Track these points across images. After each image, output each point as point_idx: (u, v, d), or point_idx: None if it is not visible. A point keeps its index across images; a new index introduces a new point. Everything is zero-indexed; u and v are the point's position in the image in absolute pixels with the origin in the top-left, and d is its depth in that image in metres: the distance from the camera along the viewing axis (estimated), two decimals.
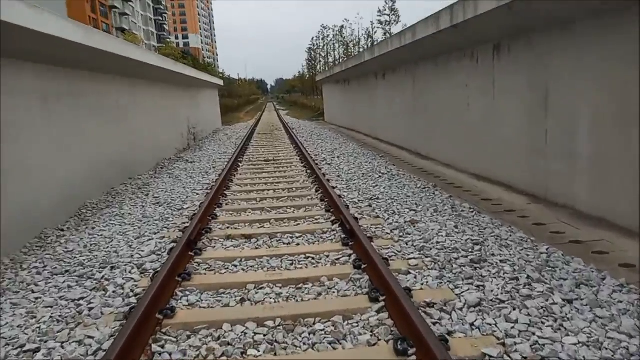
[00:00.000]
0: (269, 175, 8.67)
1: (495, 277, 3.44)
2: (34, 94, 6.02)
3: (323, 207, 5.96)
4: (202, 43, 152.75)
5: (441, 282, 3.44)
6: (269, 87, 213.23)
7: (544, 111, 5.92)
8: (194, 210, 5.95)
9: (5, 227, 4.90)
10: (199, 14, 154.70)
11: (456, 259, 3.86)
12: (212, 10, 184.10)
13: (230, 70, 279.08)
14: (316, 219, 5.44)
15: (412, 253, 4.08)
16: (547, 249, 4.03)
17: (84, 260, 4.17)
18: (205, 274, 3.89)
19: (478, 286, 3.32)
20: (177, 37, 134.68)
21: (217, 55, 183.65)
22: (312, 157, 10.27)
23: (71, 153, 7.02)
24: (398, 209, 5.60)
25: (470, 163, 8.00)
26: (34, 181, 5.76)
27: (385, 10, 34.83)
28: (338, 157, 10.40)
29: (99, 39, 7.02)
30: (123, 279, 3.66)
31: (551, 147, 5.83)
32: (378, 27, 39.00)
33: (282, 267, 3.99)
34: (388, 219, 5.25)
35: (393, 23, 34.89)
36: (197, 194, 7.13)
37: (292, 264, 4.03)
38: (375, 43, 40.93)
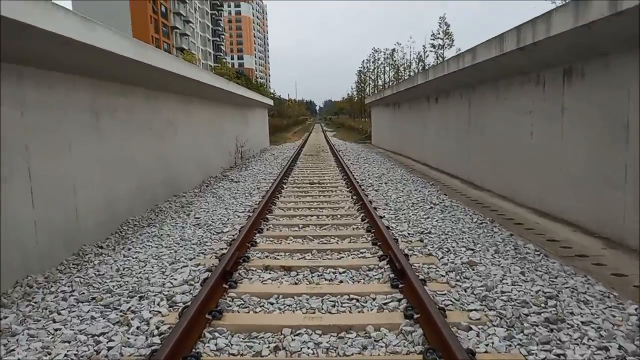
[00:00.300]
0: (312, 200, 8.33)
1: (578, 344, 2.85)
2: (85, 108, 6.03)
3: (369, 239, 5.51)
4: (255, 64, 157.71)
5: (510, 345, 2.90)
6: (317, 108, 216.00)
7: (624, 143, 5.23)
8: (234, 235, 5.67)
9: (46, 242, 4.82)
10: (254, 36, 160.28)
11: (527, 315, 3.28)
12: (267, 32, 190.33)
13: (281, 91, 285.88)
14: (362, 253, 5.00)
15: (473, 303, 3.54)
16: (636, 310, 3.37)
17: (114, 286, 3.94)
18: (238, 311, 3.54)
19: (558, 355, 2.75)
20: (232, 58, 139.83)
21: (269, 75, 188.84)
22: (358, 182, 9.86)
23: (119, 169, 7.00)
24: (453, 247, 5.06)
25: (531, 197, 7.30)
26: (80, 196, 5.71)
27: (439, 33, 34.29)
28: (386, 183, 9.92)
29: (151, 55, 7.03)
30: (150, 312, 3.37)
31: (631, 184, 5.11)
32: (430, 51, 38.48)
33: (322, 309, 3.57)
34: (442, 257, 4.73)
35: (446, 47, 34.28)
36: (239, 217, 6.88)
37: (334, 306, 3.60)
38: (428, 66, 40.39)
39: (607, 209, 5.51)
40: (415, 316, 3.29)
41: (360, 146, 24.43)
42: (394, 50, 53.44)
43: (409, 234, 5.66)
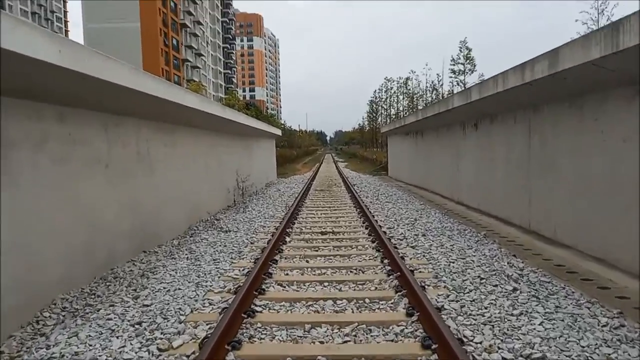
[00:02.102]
0: (325, 265, 5.86)
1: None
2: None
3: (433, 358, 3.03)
4: (267, 96, 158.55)
5: None
6: (328, 138, 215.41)
7: None
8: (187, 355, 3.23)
9: None
10: (266, 69, 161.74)
11: None
12: (278, 65, 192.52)
13: (292, 122, 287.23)
14: None
15: None
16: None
17: None
18: None
19: None
20: (244, 90, 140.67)
21: (280, 107, 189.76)
22: (385, 232, 7.40)
23: (45, 222, 4.71)
24: None
25: None
26: None
27: (459, 58, 32.25)
28: (423, 235, 7.41)
29: (97, 64, 4.77)
30: None
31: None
32: (450, 77, 36.35)
33: None
34: None
35: (468, 72, 32.17)
36: (210, 304, 4.41)
37: None
38: (443, 95, 38.13)
39: None
40: None
41: (377, 179, 22.00)
42: (407, 78, 51.58)
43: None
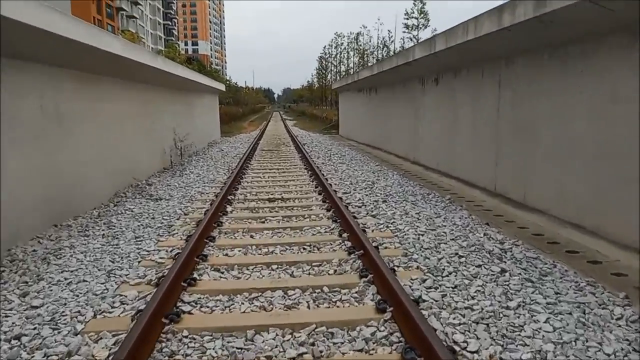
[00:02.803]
0: (274, 241, 4.91)
1: None
2: None
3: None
4: (211, 50, 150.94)
5: None
6: (276, 96, 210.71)
7: None
8: None
9: None
10: (210, 21, 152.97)
11: None
12: (223, 18, 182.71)
13: (238, 79, 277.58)
14: None
15: None
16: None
17: None
18: None
19: None
20: (186, 44, 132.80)
21: (225, 63, 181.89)
22: (341, 200, 6.54)
23: None
24: None
25: None
26: None
27: (413, 12, 31.15)
28: (384, 200, 6.61)
29: None
30: None
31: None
32: (403, 32, 35.34)
33: None
34: None
35: (421, 27, 31.24)
36: (122, 303, 3.34)
37: None
38: (395, 51, 36.94)
39: None
40: None
41: (327, 138, 21.09)
42: (358, 34, 50.32)
43: None
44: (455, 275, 3.62)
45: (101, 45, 6.37)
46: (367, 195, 7.06)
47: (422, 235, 4.78)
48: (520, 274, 3.59)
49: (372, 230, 5.08)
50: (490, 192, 7.26)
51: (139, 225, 5.51)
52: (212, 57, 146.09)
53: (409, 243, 4.54)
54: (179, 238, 4.92)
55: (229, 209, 6.32)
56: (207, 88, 18.64)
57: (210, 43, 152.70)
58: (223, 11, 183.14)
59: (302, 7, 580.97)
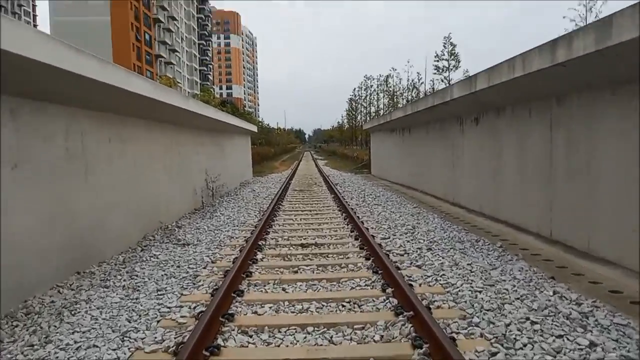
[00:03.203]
0: (308, 296, 4.36)
1: None
2: None
3: None
4: (244, 94, 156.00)
5: None
6: (306, 136, 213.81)
7: None
8: None
9: None
10: (243, 67, 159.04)
11: None
12: (256, 63, 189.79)
13: (270, 120, 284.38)
14: None
15: None
16: None
17: None
18: None
19: None
20: (221, 88, 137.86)
21: (258, 105, 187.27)
22: (381, 246, 5.97)
23: None
24: None
25: None
26: None
27: (443, 54, 31.11)
28: (428, 248, 5.98)
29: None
30: None
31: None
32: (434, 73, 35.24)
33: None
34: None
35: (452, 69, 31.08)
36: None
37: None
38: (424, 94, 36.86)
39: None
40: None
41: (359, 178, 20.62)
42: (388, 76, 50.53)
43: None
44: (532, 349, 2.97)
45: (128, 86, 6.23)
46: (408, 241, 6.46)
47: (480, 292, 4.14)
48: (615, 348, 2.91)
49: (420, 285, 4.48)
50: (546, 239, 6.53)
51: (162, 275, 5.10)
52: (245, 100, 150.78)
53: (465, 302, 3.91)
54: (204, 291, 4.45)
55: (259, 256, 5.85)
56: (239, 129, 18.70)
57: (244, 87, 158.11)
58: (256, 57, 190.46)
59: (334, 52, 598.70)
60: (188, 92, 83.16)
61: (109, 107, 6.73)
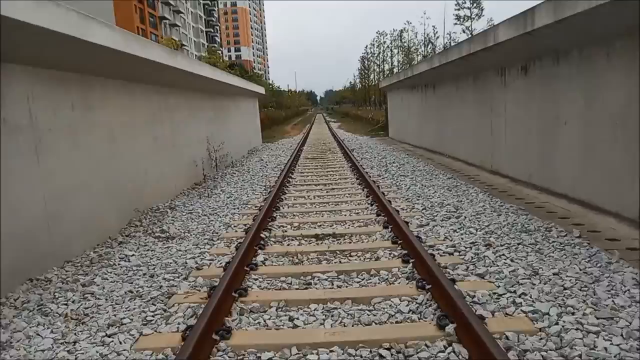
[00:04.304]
0: (328, 331, 2.96)
1: None
2: None
3: None
4: (253, 55, 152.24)
5: None
6: (318, 98, 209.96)
7: None
8: None
9: None
10: (251, 27, 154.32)
11: None
12: (264, 23, 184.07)
13: (281, 83, 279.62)
14: None
15: None
16: None
17: None
18: None
19: None
20: (229, 50, 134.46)
21: (268, 68, 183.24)
22: (421, 240, 4.50)
23: None
24: None
25: None
26: None
27: (464, 2, 28.45)
28: (487, 244, 4.47)
29: None
30: None
31: None
32: (455, 24, 32.64)
33: None
34: None
35: (475, 17, 28.49)
36: None
37: None
38: (440, 49, 34.05)
39: None
40: None
41: (377, 142, 18.97)
42: (402, 30, 47.64)
43: None
44: None
45: (91, 37, 4.69)
46: (455, 230, 4.95)
47: (592, 330, 2.66)
48: None
49: (493, 314, 3.01)
50: (632, 221, 4.96)
51: (125, 294, 3.71)
52: (254, 62, 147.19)
53: (576, 351, 2.44)
54: (174, 328, 3.06)
55: (260, 258, 4.42)
56: (245, 91, 17.04)
57: (252, 49, 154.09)
58: (264, 17, 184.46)
59: (342, 6, 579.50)
60: (195, 55, 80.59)
61: (69, 65, 5.22)
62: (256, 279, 3.90)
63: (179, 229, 5.74)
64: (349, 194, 7.55)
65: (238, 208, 6.89)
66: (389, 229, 5.13)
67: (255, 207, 6.85)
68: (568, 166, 6.43)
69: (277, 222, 5.86)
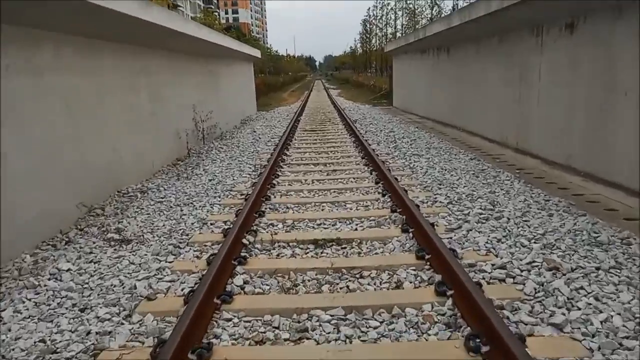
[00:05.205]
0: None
1: None
2: None
3: None
4: (252, 18, 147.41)
5: None
6: (317, 63, 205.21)
7: None
8: None
9: None
10: None
11: None
12: None
13: (279, 48, 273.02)
14: None
15: None
16: None
17: None
18: None
19: None
20: (226, 12, 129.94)
21: (266, 31, 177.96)
22: (455, 252, 3.31)
23: None
24: None
25: None
26: None
27: None
28: (546, 261, 3.29)
29: None
30: None
31: None
32: None
33: None
34: None
35: None
36: None
37: None
38: (446, 13, 31.84)
39: None
40: None
41: (381, 112, 17.54)
42: None
43: None
44: None
45: None
46: (500, 240, 3.70)
47: None
48: None
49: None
50: None
51: (30, 348, 2.51)
52: (252, 25, 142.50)
53: None
54: None
55: (238, 280, 3.22)
56: (239, 54, 15.48)
57: (251, 11, 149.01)
58: None
59: None
60: (190, 17, 77.19)
61: (5, 17, 3.86)
62: (228, 321, 2.70)
63: (140, 227, 4.52)
64: (354, 179, 6.30)
65: (220, 196, 5.66)
66: (410, 234, 3.92)
67: (241, 195, 5.62)
68: (627, 148, 5.18)
69: (266, 218, 4.64)
